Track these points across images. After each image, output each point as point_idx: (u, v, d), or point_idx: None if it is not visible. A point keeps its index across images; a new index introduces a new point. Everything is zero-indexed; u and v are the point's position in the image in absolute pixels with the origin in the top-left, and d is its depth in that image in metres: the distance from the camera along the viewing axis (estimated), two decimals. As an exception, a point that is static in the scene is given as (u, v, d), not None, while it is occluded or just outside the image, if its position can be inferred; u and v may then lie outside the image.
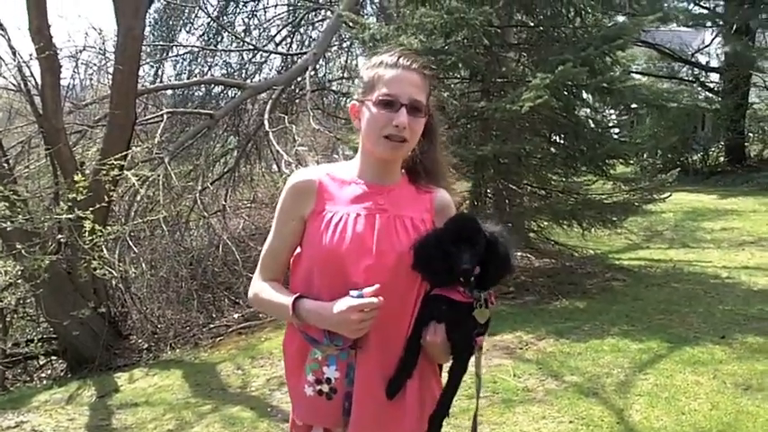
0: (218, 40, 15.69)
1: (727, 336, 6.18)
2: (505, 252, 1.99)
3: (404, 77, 2.02)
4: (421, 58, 2.14)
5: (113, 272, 7.16)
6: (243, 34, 15.67)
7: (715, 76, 23.51)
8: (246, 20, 16.32)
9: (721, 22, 21.13)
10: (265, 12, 16.55)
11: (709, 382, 5.12)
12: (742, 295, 7.65)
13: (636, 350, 5.91)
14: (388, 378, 2.02)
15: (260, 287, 2.16)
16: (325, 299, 1.99)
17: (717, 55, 22.99)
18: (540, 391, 5.21)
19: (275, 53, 15.34)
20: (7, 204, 6.50)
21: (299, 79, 12.11)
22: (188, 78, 14.69)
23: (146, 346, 8.34)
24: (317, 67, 12.52)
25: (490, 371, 5.66)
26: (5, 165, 7.59)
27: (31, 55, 7.75)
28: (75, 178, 6.67)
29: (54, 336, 8.43)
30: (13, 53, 7.88)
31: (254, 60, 15.36)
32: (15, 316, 8.97)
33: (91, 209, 6.60)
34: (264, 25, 16.40)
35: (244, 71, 15.18)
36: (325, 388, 2.04)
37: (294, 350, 2.13)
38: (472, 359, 2.05)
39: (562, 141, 9.35)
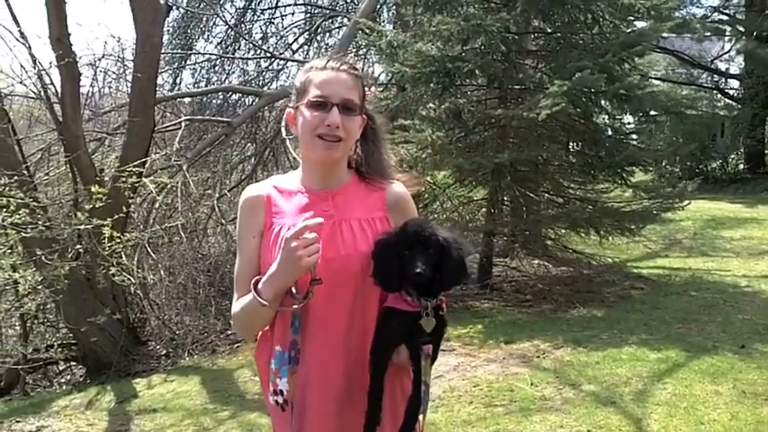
0: (236, 47, 15.77)
1: (746, 345, 6.14)
2: (459, 257, 1.97)
3: (333, 78, 2.03)
4: (351, 59, 2.16)
5: (132, 278, 7.18)
6: (260, 42, 15.73)
7: (735, 83, 23.37)
8: (264, 27, 16.39)
9: (742, 29, 21.01)
10: (282, 19, 16.59)
11: (729, 392, 5.08)
12: (762, 304, 7.60)
13: (654, 359, 5.87)
14: (332, 379, 2.03)
15: (233, 309, 2.14)
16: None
17: (736, 61, 22.86)
18: (557, 399, 5.18)
19: (292, 60, 15.38)
20: (27, 211, 6.53)
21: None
22: (206, 86, 14.77)
23: (164, 352, 8.37)
24: (334, 74, 12.50)
25: (507, 379, 5.65)
26: (26, 172, 7.65)
27: (51, 63, 7.82)
28: (93, 189, 6.71)
29: (73, 341, 8.46)
30: (34, 61, 7.94)
31: (271, 68, 15.41)
32: (35, 322, 9.02)
33: (109, 217, 6.65)
34: (282, 33, 16.47)
35: (261, 78, 15.23)
36: (280, 399, 2.05)
37: (264, 362, 2.14)
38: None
39: (580, 149, 9.33)
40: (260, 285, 1.98)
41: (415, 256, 1.91)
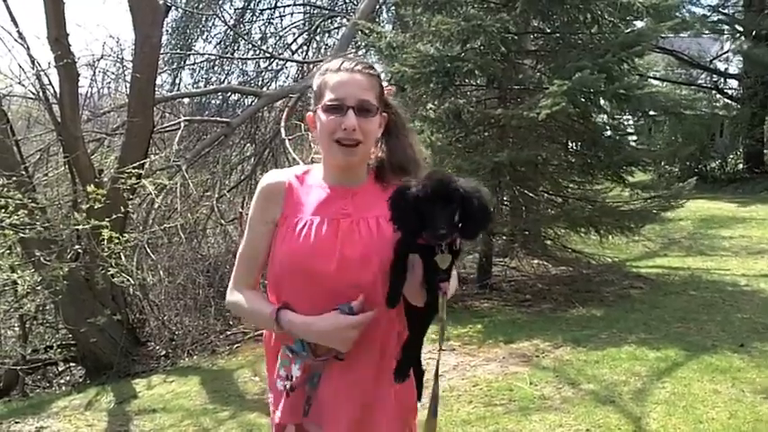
0: (235, 48, 15.79)
1: (745, 344, 6.14)
2: (481, 205, 1.93)
3: (347, 80, 2.03)
4: (365, 59, 2.16)
5: (131, 279, 7.18)
6: (259, 42, 15.75)
7: (733, 83, 23.38)
8: (263, 28, 16.43)
9: (740, 28, 21.02)
10: (281, 20, 16.63)
11: (728, 391, 5.09)
12: (761, 303, 7.60)
13: (653, 358, 5.88)
14: (357, 381, 2.07)
15: (238, 297, 2.18)
16: (295, 303, 2.04)
17: (735, 61, 22.87)
18: (556, 398, 5.19)
19: (291, 61, 15.41)
20: (26, 212, 6.53)
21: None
22: (205, 86, 14.78)
23: (163, 352, 8.35)
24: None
25: (506, 378, 5.65)
26: (24, 172, 7.63)
27: (49, 63, 7.81)
28: (89, 189, 6.71)
29: (73, 342, 8.46)
30: (32, 62, 7.93)
31: (270, 68, 15.42)
32: (35, 322, 9.01)
33: (108, 218, 6.64)
34: (281, 33, 16.50)
35: (260, 79, 15.25)
36: (288, 384, 2.08)
37: (273, 345, 2.18)
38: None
39: (579, 148, 9.33)
40: (281, 316, 2.03)
41: (437, 214, 1.89)
